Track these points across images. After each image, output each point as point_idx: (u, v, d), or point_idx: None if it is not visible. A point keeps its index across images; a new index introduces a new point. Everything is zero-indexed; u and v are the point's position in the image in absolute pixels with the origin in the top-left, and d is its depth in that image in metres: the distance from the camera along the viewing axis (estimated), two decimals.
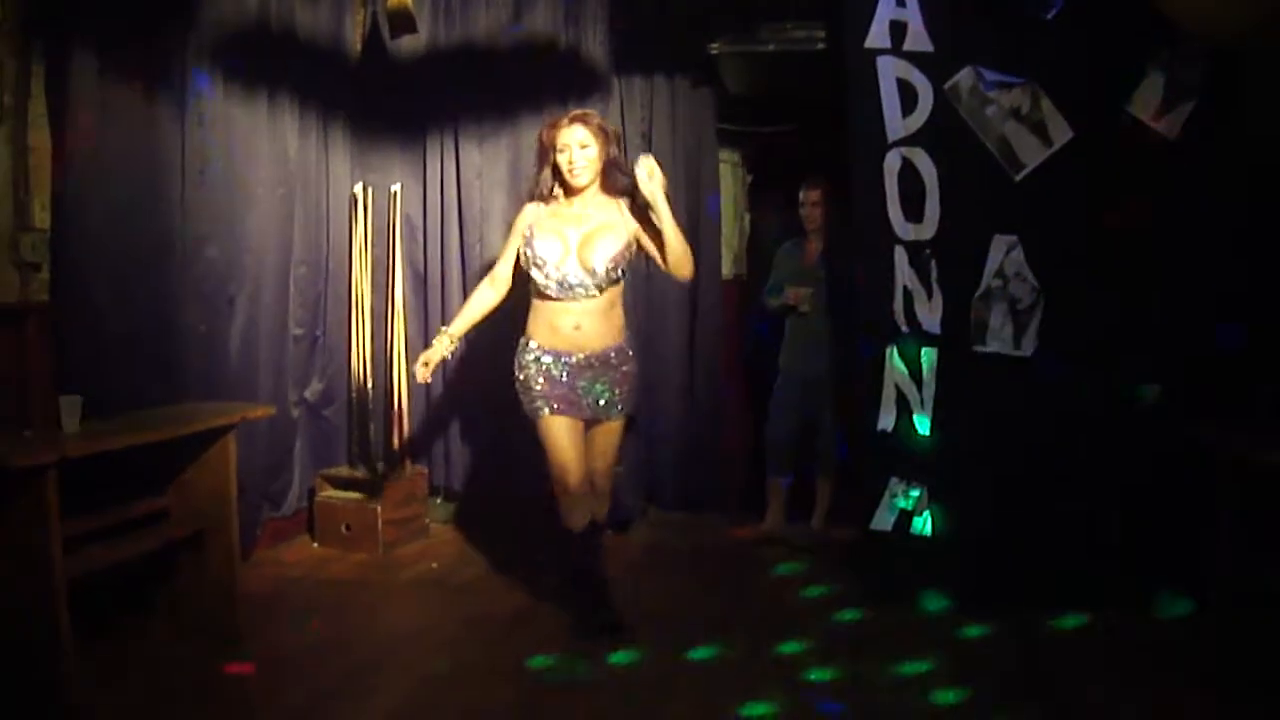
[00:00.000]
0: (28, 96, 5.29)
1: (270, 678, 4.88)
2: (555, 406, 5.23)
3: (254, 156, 6.43)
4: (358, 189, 7.24)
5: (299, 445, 7.16)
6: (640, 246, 5.35)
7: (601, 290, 5.23)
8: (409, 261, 7.42)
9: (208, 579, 5.32)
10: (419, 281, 7.43)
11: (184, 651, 5.13)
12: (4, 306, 5.18)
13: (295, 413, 7.07)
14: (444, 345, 5.42)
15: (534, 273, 5.26)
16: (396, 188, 7.30)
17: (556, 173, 5.28)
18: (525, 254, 5.29)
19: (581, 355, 5.25)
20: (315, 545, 7.02)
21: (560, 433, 5.24)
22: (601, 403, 5.30)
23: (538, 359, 5.27)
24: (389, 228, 7.30)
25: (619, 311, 5.39)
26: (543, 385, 5.24)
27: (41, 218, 5.35)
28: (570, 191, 5.31)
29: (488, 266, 5.75)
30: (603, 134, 5.28)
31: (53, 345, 5.30)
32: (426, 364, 5.37)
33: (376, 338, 7.33)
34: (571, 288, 5.20)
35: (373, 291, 7.28)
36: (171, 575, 5.38)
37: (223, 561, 5.32)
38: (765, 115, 7.87)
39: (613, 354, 5.31)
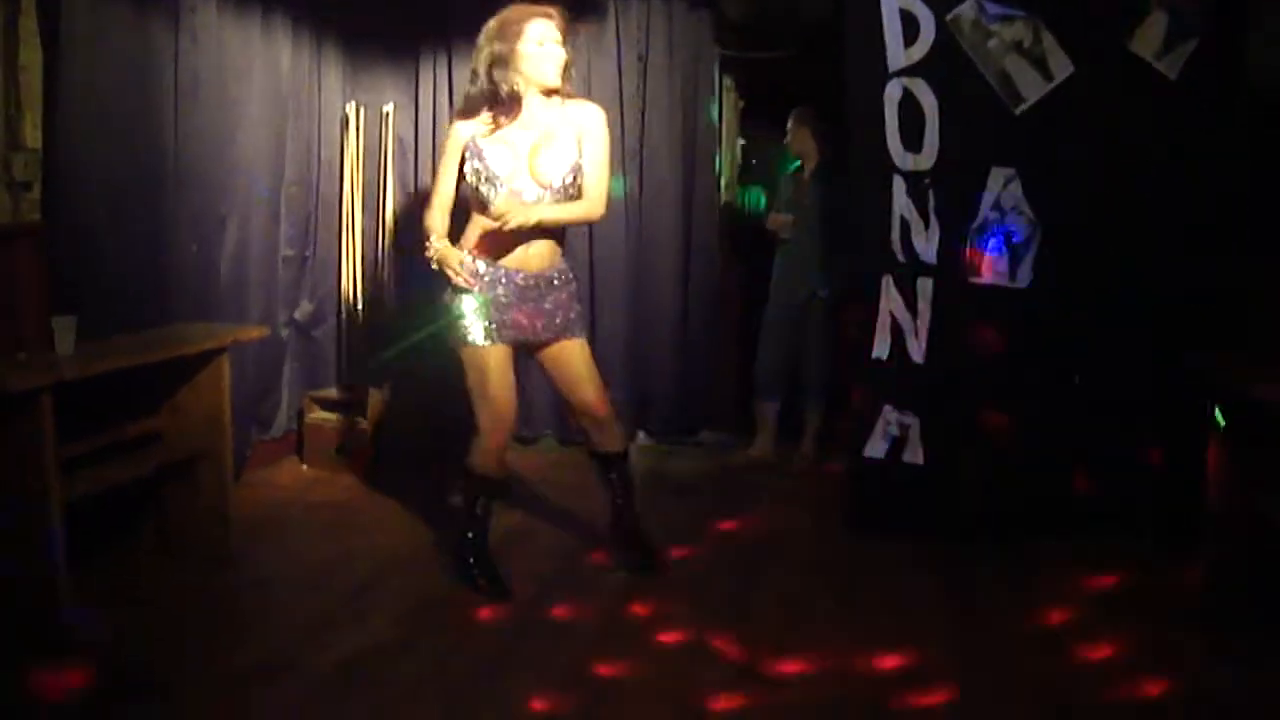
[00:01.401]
0: (18, 13, 5.20)
1: (267, 599, 4.92)
2: (494, 334, 4.85)
3: (246, 75, 6.37)
4: (350, 109, 7.20)
5: (288, 367, 7.16)
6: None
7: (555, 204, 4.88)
8: (400, 182, 7.39)
9: (200, 502, 5.32)
10: (410, 202, 7.36)
11: (177, 575, 5.16)
12: None
13: (284, 334, 7.06)
14: (450, 249, 4.89)
15: (484, 188, 4.82)
16: (389, 108, 7.26)
17: (529, 67, 4.81)
18: (475, 168, 4.83)
19: (527, 274, 4.88)
20: (304, 467, 7.03)
21: (499, 364, 4.88)
22: (557, 321, 4.95)
23: (477, 273, 4.85)
24: (380, 148, 7.27)
25: (563, 233, 5.05)
26: (482, 304, 4.84)
27: (33, 136, 5.28)
28: (518, 100, 4.86)
29: None
30: (569, 35, 4.94)
31: (45, 266, 5.25)
32: (460, 271, 4.84)
33: (366, 259, 7.30)
34: (518, 193, 4.82)
35: (363, 212, 7.25)
36: (163, 499, 5.37)
37: (215, 484, 5.32)
38: (762, 40, 7.80)
39: (555, 276, 4.98)
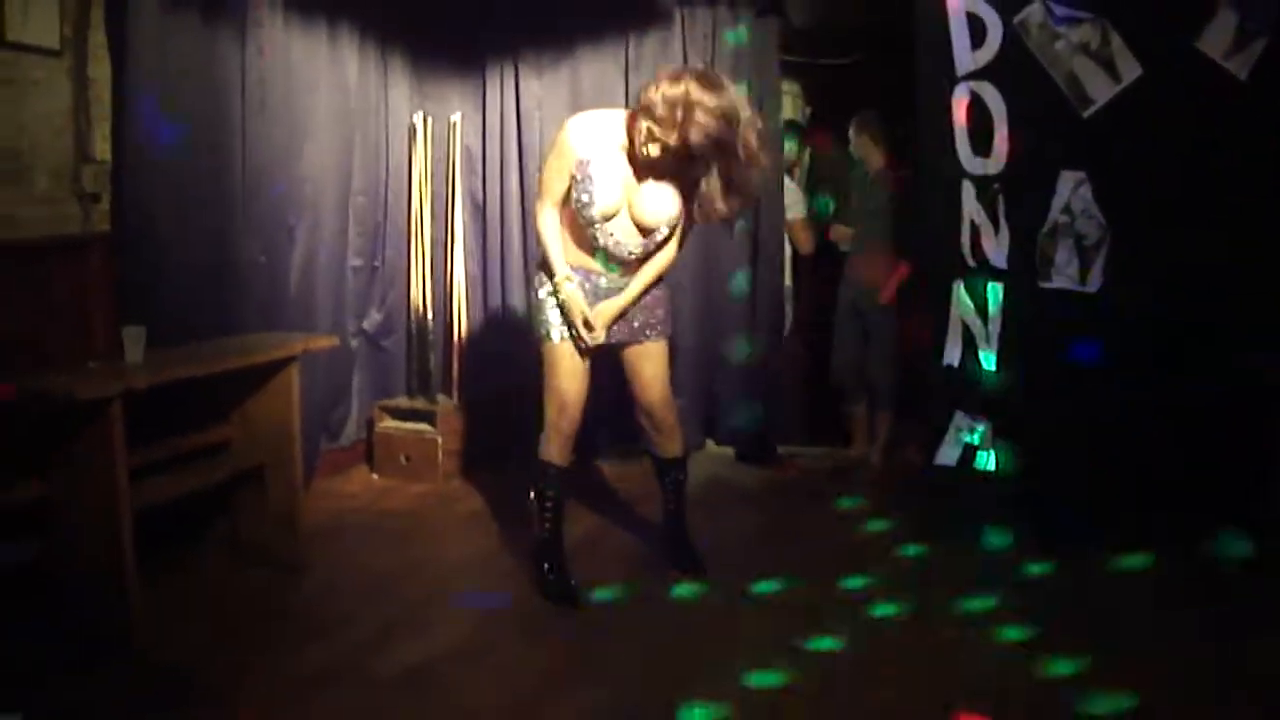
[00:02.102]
0: (88, 28, 5.27)
1: (335, 609, 4.92)
2: (570, 330, 4.87)
3: (313, 86, 6.41)
4: (417, 119, 7.22)
5: (357, 376, 7.19)
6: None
7: (647, 255, 4.89)
8: (468, 192, 7.40)
9: (270, 510, 5.35)
10: (478, 212, 7.38)
11: (247, 583, 5.19)
12: (67, 237, 5.18)
13: (354, 343, 7.09)
14: (576, 291, 4.85)
15: (582, 198, 4.72)
16: (456, 118, 7.27)
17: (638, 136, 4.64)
18: (577, 196, 4.74)
19: (610, 279, 4.92)
20: (374, 476, 7.05)
21: (571, 359, 4.90)
22: (636, 324, 4.99)
23: (565, 274, 4.88)
24: (448, 158, 7.29)
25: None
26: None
27: (102, 149, 5.35)
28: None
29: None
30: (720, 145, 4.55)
31: (115, 276, 5.30)
32: (588, 324, 4.82)
33: (435, 268, 7.32)
34: (619, 245, 4.79)
35: (432, 222, 7.28)
36: (233, 507, 5.42)
37: (285, 493, 5.34)
38: (828, 47, 7.79)
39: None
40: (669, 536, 5.39)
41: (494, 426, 7.04)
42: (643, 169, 4.76)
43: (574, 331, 4.85)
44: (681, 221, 4.91)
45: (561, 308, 4.86)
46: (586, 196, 4.73)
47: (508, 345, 7.12)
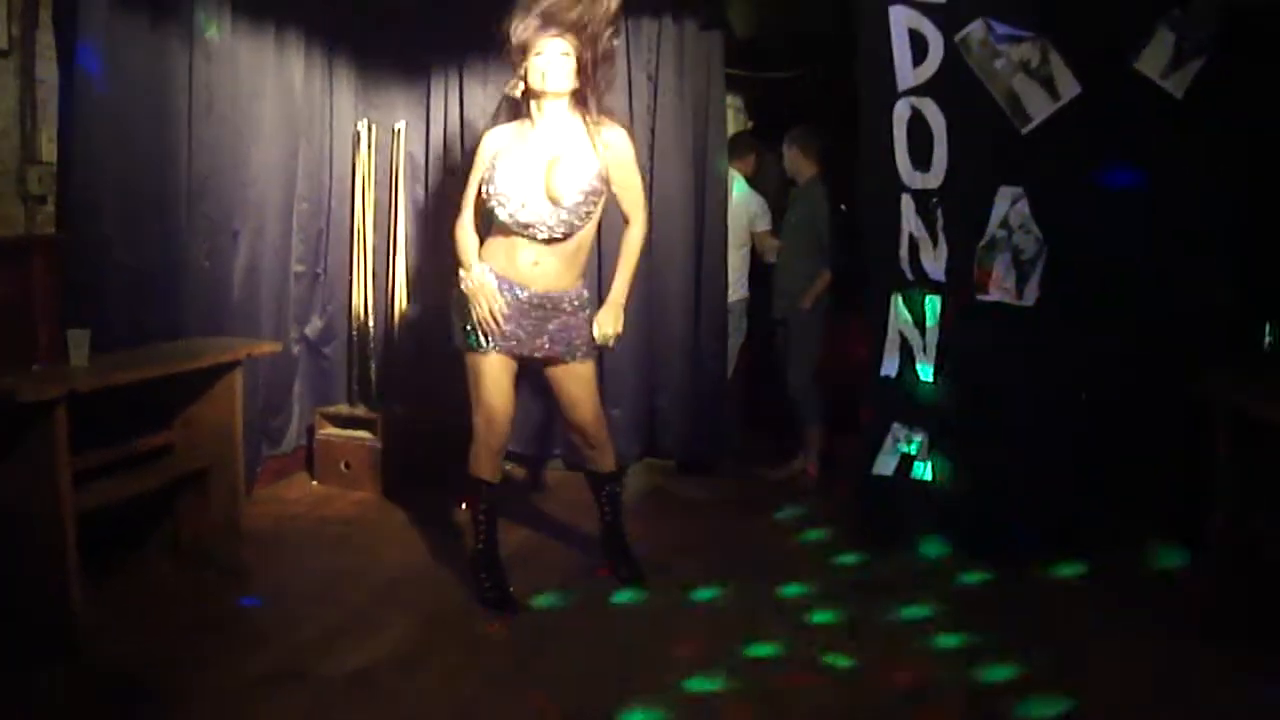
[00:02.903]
0: (35, 28, 5.25)
1: (277, 612, 4.94)
2: (493, 342, 4.88)
3: (260, 92, 6.42)
4: (361, 126, 7.24)
5: (298, 382, 7.19)
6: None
7: (569, 233, 4.87)
8: (411, 200, 7.39)
9: (212, 515, 5.37)
10: (421, 220, 7.39)
11: (189, 587, 5.19)
12: (10, 240, 5.15)
13: (295, 350, 7.09)
14: (489, 279, 4.88)
15: (498, 210, 4.84)
16: (400, 125, 7.28)
17: (526, 79, 4.87)
18: (486, 190, 4.89)
19: (533, 292, 4.88)
20: (314, 483, 7.04)
21: (494, 373, 4.92)
22: (562, 342, 4.95)
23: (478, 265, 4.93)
24: (392, 166, 7.29)
25: (583, 257, 5.06)
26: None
27: (48, 150, 5.33)
28: (539, 104, 4.90)
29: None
30: (590, 45, 4.84)
31: (59, 278, 5.27)
32: (495, 316, 4.85)
33: (377, 276, 7.33)
34: (535, 226, 4.82)
35: (374, 230, 7.28)
36: (175, 511, 5.41)
37: (227, 497, 5.37)
38: (771, 61, 7.85)
39: (566, 300, 4.96)
40: (608, 547, 5.40)
41: (433, 435, 7.05)
42: (555, 141, 4.87)
43: (480, 327, 4.86)
44: (601, 190, 4.92)
45: (471, 299, 4.87)
46: (493, 181, 4.86)
47: (449, 353, 7.13)
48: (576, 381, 5.08)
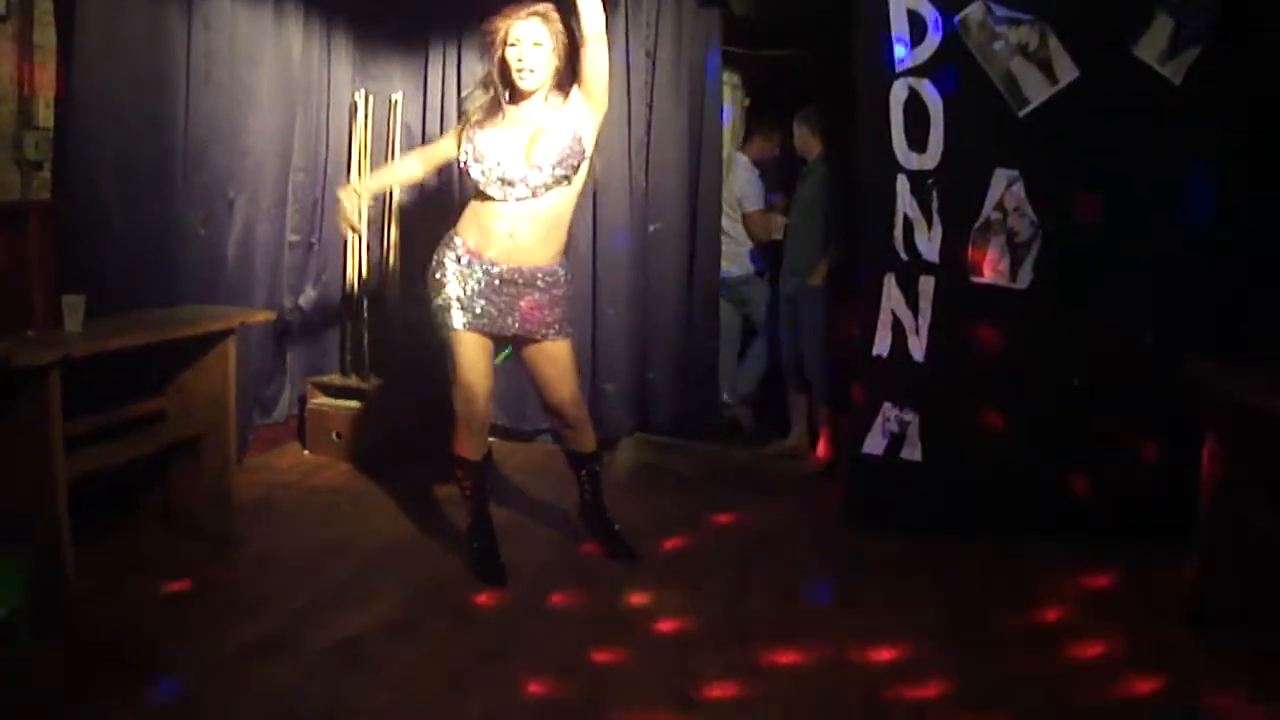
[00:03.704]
0: None
1: (267, 579, 4.96)
2: (466, 320, 4.88)
3: (257, 61, 6.42)
4: (358, 97, 7.23)
5: (291, 352, 7.22)
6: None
7: (546, 189, 4.83)
8: None
9: (203, 482, 5.37)
10: (416, 190, 7.39)
11: (180, 552, 5.20)
12: (6, 205, 5.16)
13: (289, 319, 7.10)
14: (351, 199, 5.00)
15: (473, 167, 4.86)
16: (397, 96, 7.28)
17: (504, 71, 4.87)
18: (467, 150, 4.89)
19: (506, 268, 4.88)
20: (306, 452, 7.07)
21: (469, 351, 4.90)
22: (534, 319, 4.94)
23: (458, 258, 4.91)
24: (388, 136, 7.30)
25: (561, 232, 5.02)
26: (457, 290, 4.90)
27: (45, 116, 5.33)
28: (516, 95, 4.91)
29: None
30: (562, 36, 4.84)
31: (55, 244, 5.28)
32: (352, 226, 5.10)
33: (372, 247, 7.33)
34: (512, 184, 4.80)
35: (370, 200, 7.26)
36: (167, 478, 5.43)
37: (218, 465, 5.37)
38: (769, 39, 7.84)
39: (540, 276, 4.94)
40: (591, 526, 5.41)
41: (424, 405, 7.06)
42: (534, 120, 4.89)
43: (464, 313, 4.90)
44: (580, 150, 4.88)
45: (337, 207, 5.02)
46: (472, 141, 4.90)
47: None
48: (550, 361, 5.07)
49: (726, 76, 7.95)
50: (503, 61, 4.84)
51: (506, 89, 4.89)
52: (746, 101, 8.69)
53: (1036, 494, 5.53)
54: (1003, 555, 5.38)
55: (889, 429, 5.73)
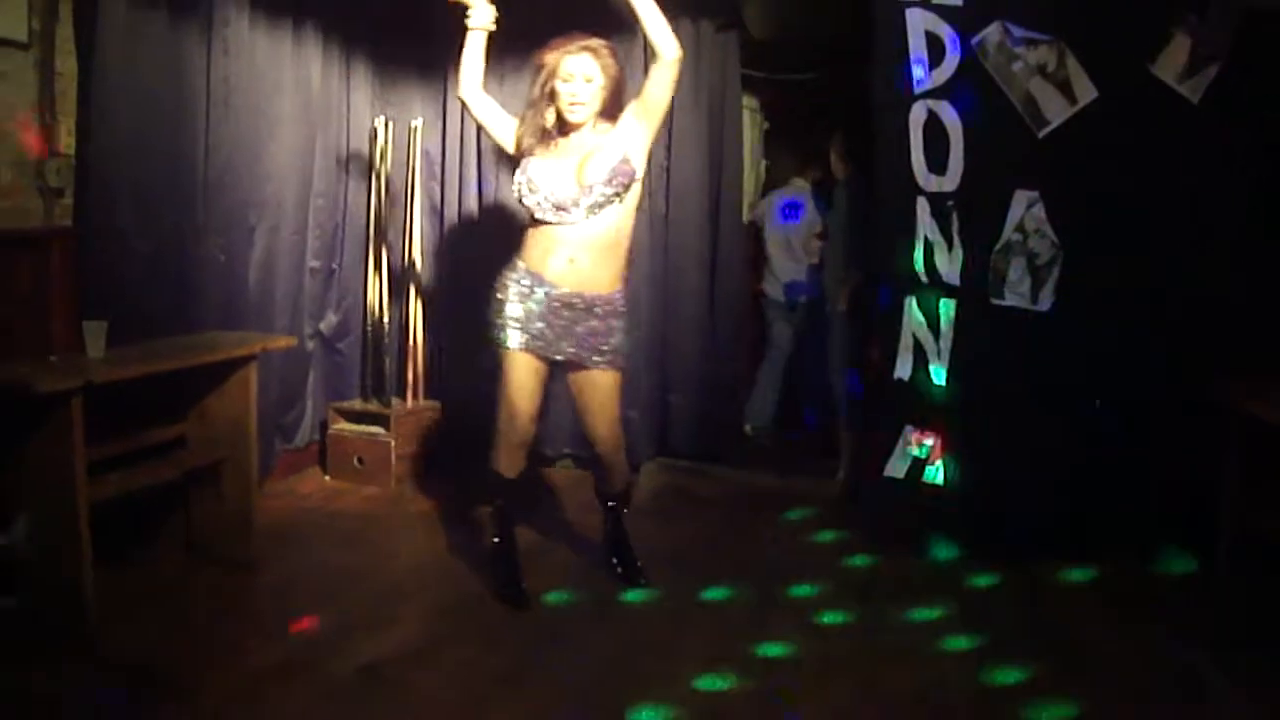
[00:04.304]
0: (55, 21, 5.29)
1: (287, 605, 4.96)
2: (522, 341, 4.91)
3: (277, 87, 6.43)
4: (378, 123, 7.24)
5: (312, 378, 7.20)
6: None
7: (599, 209, 4.83)
8: (427, 196, 7.40)
9: (225, 508, 5.37)
10: (436, 217, 7.42)
11: (200, 578, 5.21)
12: (29, 231, 5.19)
13: (310, 345, 7.10)
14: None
15: (528, 198, 4.88)
16: (417, 123, 7.29)
17: (553, 101, 4.90)
18: (519, 181, 4.93)
19: (567, 291, 4.87)
20: (327, 478, 7.07)
21: (520, 371, 4.95)
22: (587, 347, 4.92)
23: (519, 280, 4.92)
24: (408, 162, 7.30)
25: (619, 258, 5.01)
26: (517, 311, 4.91)
27: (67, 143, 5.36)
28: (566, 127, 4.93)
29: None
30: (612, 70, 4.89)
31: (77, 270, 5.31)
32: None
33: (392, 273, 7.34)
34: (567, 209, 4.81)
35: (390, 226, 7.29)
36: (188, 504, 5.44)
37: (240, 491, 5.36)
38: (788, 62, 7.85)
39: (599, 304, 4.92)
40: (610, 549, 5.41)
41: (445, 431, 7.08)
42: (584, 145, 4.91)
43: (519, 333, 4.93)
44: (629, 170, 4.88)
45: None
46: (525, 170, 4.93)
47: (463, 351, 7.15)
48: (595, 390, 5.06)
49: (745, 100, 7.95)
50: (553, 93, 4.87)
51: (556, 121, 4.93)
52: (765, 125, 8.69)
53: (1058, 515, 5.50)
54: (1023, 576, 5.35)
55: (910, 453, 5.71)
